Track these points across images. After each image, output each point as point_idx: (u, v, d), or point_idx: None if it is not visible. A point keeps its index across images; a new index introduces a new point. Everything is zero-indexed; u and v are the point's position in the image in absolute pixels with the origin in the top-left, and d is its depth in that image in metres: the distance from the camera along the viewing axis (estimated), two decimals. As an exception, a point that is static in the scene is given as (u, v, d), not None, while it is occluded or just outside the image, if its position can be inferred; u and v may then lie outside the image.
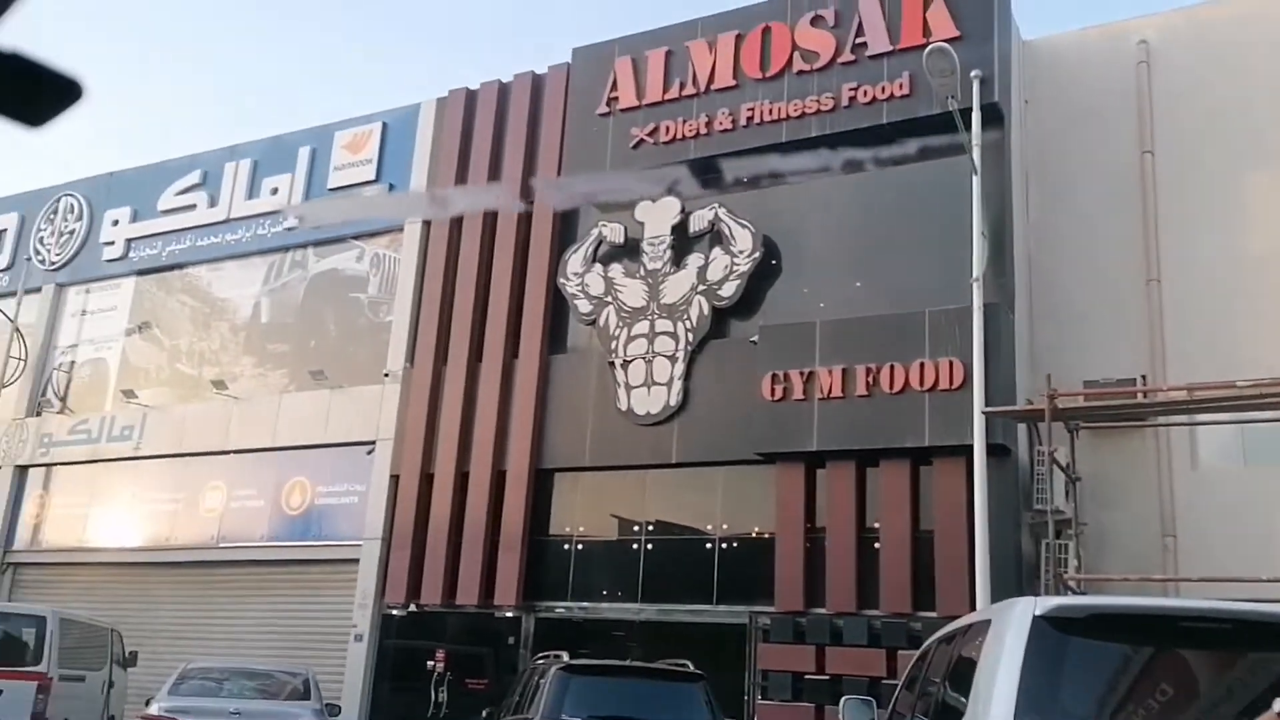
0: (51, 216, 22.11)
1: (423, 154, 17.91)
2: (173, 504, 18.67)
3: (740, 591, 13.53)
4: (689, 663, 9.22)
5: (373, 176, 18.36)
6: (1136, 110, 14.02)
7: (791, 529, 13.13)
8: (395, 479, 16.34)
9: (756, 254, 14.46)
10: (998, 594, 9.27)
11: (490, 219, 16.91)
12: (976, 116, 11.21)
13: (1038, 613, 3.80)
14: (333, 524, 16.95)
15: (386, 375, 17.00)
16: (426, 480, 16.04)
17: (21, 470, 20.52)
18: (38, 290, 21.29)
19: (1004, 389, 12.06)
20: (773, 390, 13.34)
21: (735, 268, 14.56)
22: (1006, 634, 3.79)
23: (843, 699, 6.00)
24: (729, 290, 14.53)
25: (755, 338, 13.93)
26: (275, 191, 19.22)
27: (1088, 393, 12.14)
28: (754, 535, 13.82)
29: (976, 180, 11.07)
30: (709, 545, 14.03)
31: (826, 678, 12.35)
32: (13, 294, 20.01)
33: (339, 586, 16.41)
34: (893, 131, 13.88)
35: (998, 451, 11.71)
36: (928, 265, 13.52)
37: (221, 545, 17.86)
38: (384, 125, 18.57)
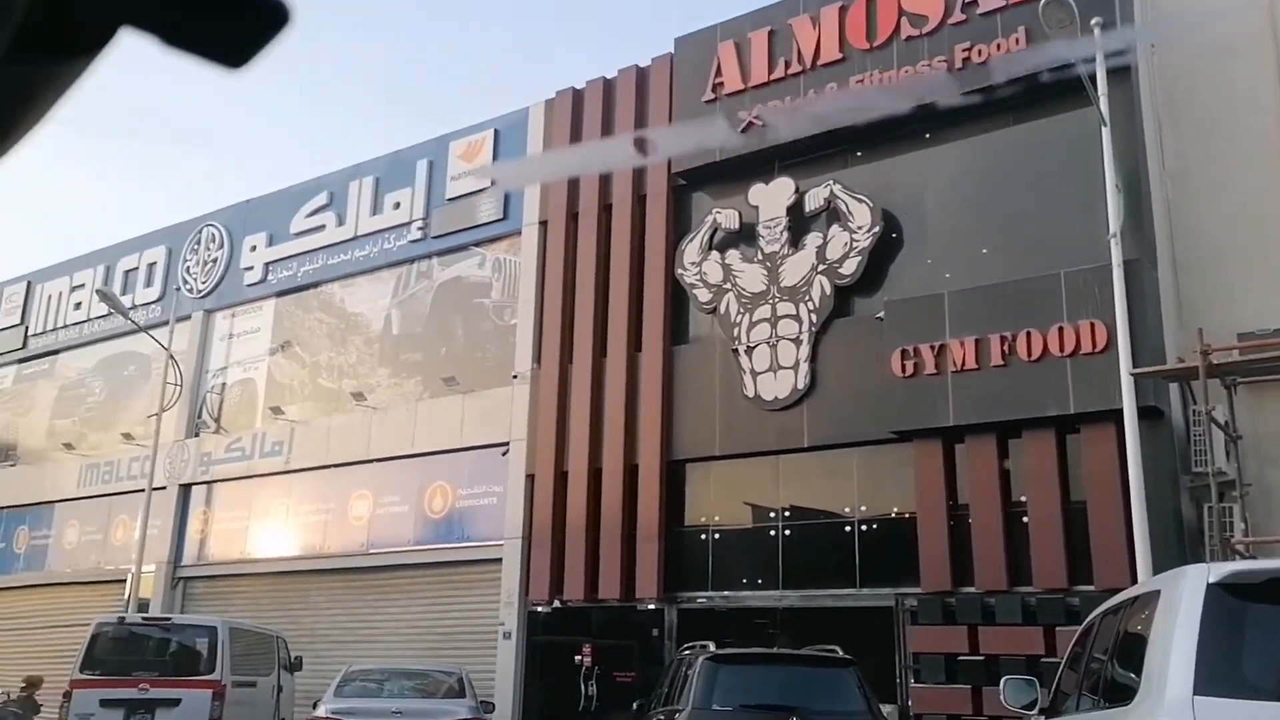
0: (195, 247, 23.32)
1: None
2: (323, 514, 19.47)
3: (884, 574, 13.27)
4: (838, 648, 9.09)
5: (489, 182, 18.72)
6: (1274, 42, 13.12)
7: (933, 507, 12.80)
8: (531, 478, 16.64)
9: (876, 228, 14.15)
10: (1159, 563, 8.83)
11: (605, 216, 17.04)
12: (1100, 65, 10.68)
13: (1212, 580, 3.59)
14: (474, 525, 17.39)
15: (515, 377, 17.32)
16: (561, 478, 16.28)
17: (185, 489, 21.72)
18: (187, 318, 22.47)
19: (1152, 348, 11.48)
20: (903, 366, 13.02)
21: (855, 244, 14.28)
22: (1179, 604, 3.59)
23: (1003, 679, 5.80)
24: (850, 268, 14.26)
25: (881, 314, 13.63)
26: (398, 206, 19.81)
27: (1243, 345, 11.44)
28: (894, 516, 13.54)
29: (1106, 132, 10.55)
30: (848, 528, 13.81)
31: (981, 658, 12.00)
32: (165, 323, 21.14)
33: (485, 586, 16.82)
34: (1010, 90, 13.36)
35: (1150, 414, 11.16)
36: (1060, 225, 12.98)
37: (371, 551, 18.53)
38: (495, 132, 18.91)
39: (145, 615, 16.50)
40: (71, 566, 22.77)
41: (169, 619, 15.01)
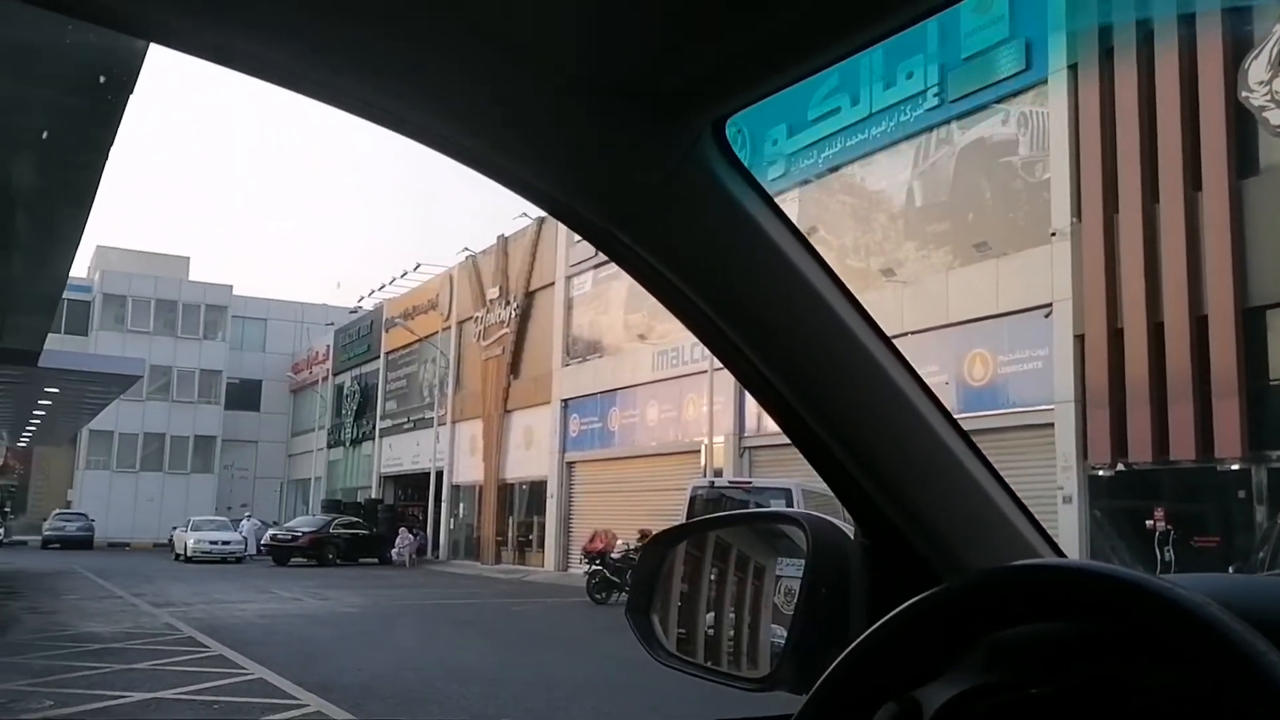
0: (723, 148, 25.13)
1: (1056, -4, 16.92)
2: (867, 386, 20.39)
3: None
4: None
5: (1006, 34, 17.80)
6: None
7: None
8: (1079, 339, 15.97)
9: None
10: None
11: (1145, 47, 15.41)
12: None
13: None
14: (1020, 390, 17.17)
15: (1053, 235, 16.58)
16: (1115, 336, 15.42)
17: (746, 371, 23.99)
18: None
19: None
20: None
21: None
22: None
23: None
24: None
25: None
26: (910, 76, 19.61)
27: None
28: None
29: None
30: None
31: None
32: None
33: (1037, 451, 16.60)
34: None
35: None
36: None
37: (918, 420, 19.10)
38: (1015, -30, 17.85)
39: (731, 479, 18.73)
40: (656, 440, 26.41)
41: (750, 482, 16.95)
